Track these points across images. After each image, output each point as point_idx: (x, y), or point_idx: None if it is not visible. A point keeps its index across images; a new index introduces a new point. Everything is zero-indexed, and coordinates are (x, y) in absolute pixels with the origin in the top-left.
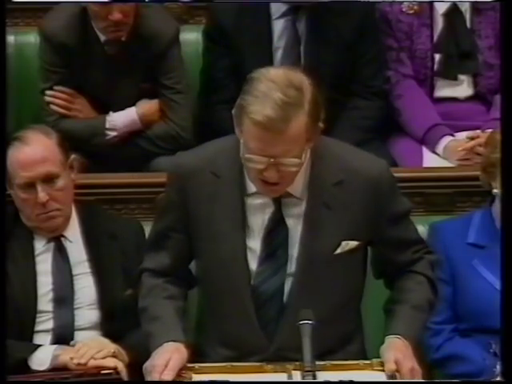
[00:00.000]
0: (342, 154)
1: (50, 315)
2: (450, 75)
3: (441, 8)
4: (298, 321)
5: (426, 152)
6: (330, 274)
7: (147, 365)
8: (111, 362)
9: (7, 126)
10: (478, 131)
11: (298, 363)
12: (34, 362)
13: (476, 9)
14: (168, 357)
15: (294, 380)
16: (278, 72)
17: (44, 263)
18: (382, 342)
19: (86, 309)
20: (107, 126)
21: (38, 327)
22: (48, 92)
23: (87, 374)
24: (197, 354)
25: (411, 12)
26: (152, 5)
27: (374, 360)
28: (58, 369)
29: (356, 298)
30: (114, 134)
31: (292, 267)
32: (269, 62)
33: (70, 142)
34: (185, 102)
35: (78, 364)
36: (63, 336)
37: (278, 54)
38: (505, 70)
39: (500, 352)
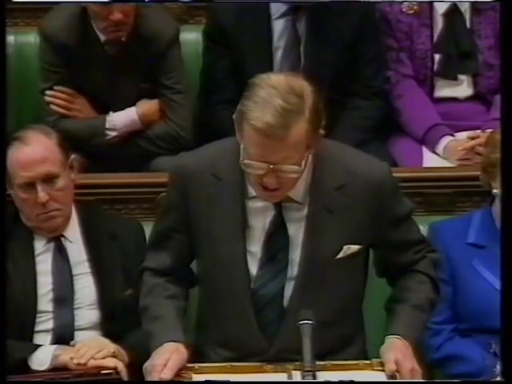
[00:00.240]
0: (344, 158)
1: (50, 315)
2: (450, 75)
3: (441, 8)
4: (298, 322)
5: (426, 152)
6: (331, 278)
7: (147, 364)
8: (111, 362)
9: (7, 125)
10: (478, 131)
11: (297, 363)
12: (34, 362)
13: (476, 9)
14: (167, 357)
15: (294, 380)
16: (279, 78)
17: (44, 263)
18: (383, 343)
19: (86, 309)
20: (107, 125)
21: (38, 327)
22: (48, 92)
23: (87, 374)
24: (197, 355)
25: (411, 12)
26: (152, 5)
27: (374, 360)
28: (58, 369)
29: (357, 299)
30: (114, 133)
31: (293, 271)
32: (269, 62)
33: (70, 142)
34: (185, 102)
35: (78, 364)
36: (63, 336)
37: (278, 54)
38: (505, 70)
39: (500, 352)
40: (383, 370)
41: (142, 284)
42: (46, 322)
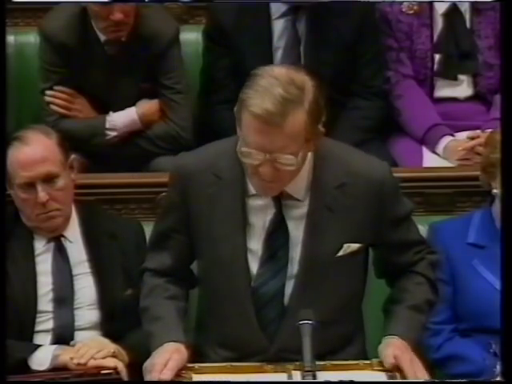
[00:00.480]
0: (345, 157)
1: (50, 315)
2: (450, 75)
3: (440, 8)
4: (298, 322)
5: (426, 152)
6: (331, 276)
7: (147, 364)
8: (111, 362)
9: (7, 125)
10: (478, 131)
11: (298, 363)
12: (34, 362)
13: (476, 9)
14: (168, 356)
15: (294, 380)
16: (281, 70)
17: (44, 263)
18: None
19: (86, 309)
20: (107, 125)
21: (38, 327)
22: (48, 92)
23: (87, 374)
24: (197, 355)
25: (411, 12)
26: (152, 5)
27: (374, 360)
28: (58, 369)
29: (357, 299)
30: (114, 133)
31: (293, 269)
32: (269, 62)
33: (70, 142)
34: (185, 102)
35: (78, 364)
36: (63, 336)
37: (278, 54)
38: (505, 70)
39: (500, 352)
40: (383, 370)
41: (143, 285)
42: (45, 322)
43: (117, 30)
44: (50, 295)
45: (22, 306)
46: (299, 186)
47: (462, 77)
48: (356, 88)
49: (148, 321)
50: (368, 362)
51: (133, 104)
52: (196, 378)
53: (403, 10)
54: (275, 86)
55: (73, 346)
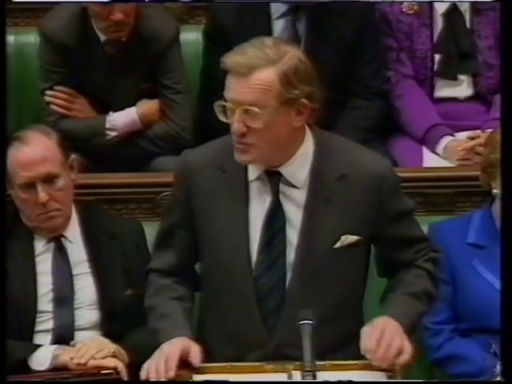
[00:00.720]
0: (347, 150)
1: (50, 315)
2: (450, 75)
3: (441, 8)
4: (296, 316)
5: (426, 152)
6: (329, 268)
7: (153, 358)
8: (111, 362)
9: (7, 125)
10: (478, 131)
11: (298, 363)
12: (34, 362)
13: (476, 9)
14: (173, 352)
15: (294, 380)
16: (271, 38)
17: (44, 263)
18: None
19: (86, 309)
20: (107, 125)
21: (38, 327)
22: (48, 92)
23: (87, 374)
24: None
25: (411, 12)
26: (152, 5)
27: None
28: (58, 369)
29: (356, 295)
30: (114, 134)
31: (291, 257)
32: None
33: (70, 142)
34: (185, 102)
35: (78, 364)
36: (63, 336)
37: None
38: (505, 70)
39: (500, 352)
40: (383, 370)
41: (149, 285)
42: (45, 322)
43: (117, 30)
44: (50, 295)
45: (22, 306)
46: (298, 172)
47: (461, 77)
48: (356, 88)
49: (155, 319)
50: (368, 361)
51: (133, 104)
52: (196, 377)
53: (403, 9)
54: (253, 46)
55: (73, 345)
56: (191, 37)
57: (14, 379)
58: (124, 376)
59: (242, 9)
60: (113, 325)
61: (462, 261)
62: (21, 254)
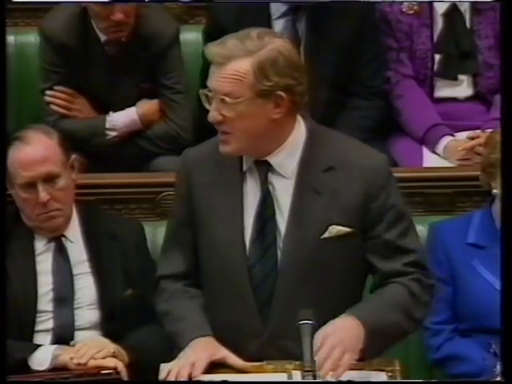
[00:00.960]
0: (339, 143)
1: (50, 315)
2: (450, 75)
3: (441, 8)
4: (287, 307)
5: (426, 152)
6: (318, 259)
7: (173, 365)
8: (111, 362)
9: (7, 125)
10: (478, 131)
11: (297, 363)
12: (34, 361)
13: (476, 9)
14: (195, 357)
15: (294, 380)
16: (258, 30)
17: (44, 263)
18: None
19: (86, 309)
20: (107, 126)
21: (38, 327)
22: (48, 92)
23: (87, 374)
24: None
25: (411, 12)
26: (152, 5)
27: (374, 360)
28: (58, 369)
29: (353, 289)
30: (114, 134)
31: (281, 247)
32: None
33: (70, 141)
34: (185, 102)
35: (78, 364)
36: (63, 336)
37: None
38: (505, 70)
39: (500, 352)
40: (383, 370)
41: (161, 291)
42: (46, 322)
43: (117, 31)
44: (50, 295)
45: (22, 306)
46: (286, 162)
47: (461, 77)
48: (356, 88)
49: (171, 322)
50: (368, 361)
51: (133, 104)
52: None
53: (403, 10)
54: (235, 36)
55: (73, 345)
56: (191, 37)
57: (14, 379)
58: (124, 376)
59: (242, 9)
60: (113, 325)
61: (461, 261)
62: (21, 253)
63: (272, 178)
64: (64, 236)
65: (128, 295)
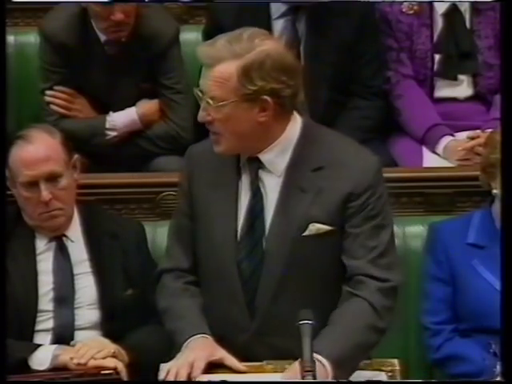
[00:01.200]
0: (331, 143)
1: (51, 314)
2: (450, 75)
3: (440, 8)
4: (272, 303)
5: (426, 152)
6: (300, 257)
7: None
8: (111, 362)
9: (7, 125)
10: (478, 131)
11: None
12: (34, 361)
13: (476, 9)
14: (193, 356)
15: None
16: (251, 30)
17: (45, 262)
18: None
19: (87, 308)
20: (107, 126)
21: (38, 326)
22: (48, 92)
23: (87, 374)
24: None
25: (411, 12)
26: (152, 5)
27: (374, 360)
28: (58, 369)
29: (336, 294)
30: (114, 133)
31: (265, 243)
32: None
33: (70, 142)
34: (185, 102)
35: (78, 364)
36: (63, 336)
37: None
38: (505, 70)
39: (500, 352)
40: (383, 370)
41: (162, 286)
42: (46, 322)
43: (117, 31)
44: (51, 294)
45: (23, 305)
46: (277, 160)
47: (461, 77)
48: (356, 88)
49: (170, 320)
50: (368, 361)
51: (133, 104)
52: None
53: (403, 10)
54: (226, 37)
55: (73, 345)
56: (191, 37)
57: (14, 379)
58: (124, 376)
59: (242, 9)
60: (113, 325)
61: (461, 261)
62: (22, 252)
63: (262, 174)
64: (65, 235)
65: (128, 295)
